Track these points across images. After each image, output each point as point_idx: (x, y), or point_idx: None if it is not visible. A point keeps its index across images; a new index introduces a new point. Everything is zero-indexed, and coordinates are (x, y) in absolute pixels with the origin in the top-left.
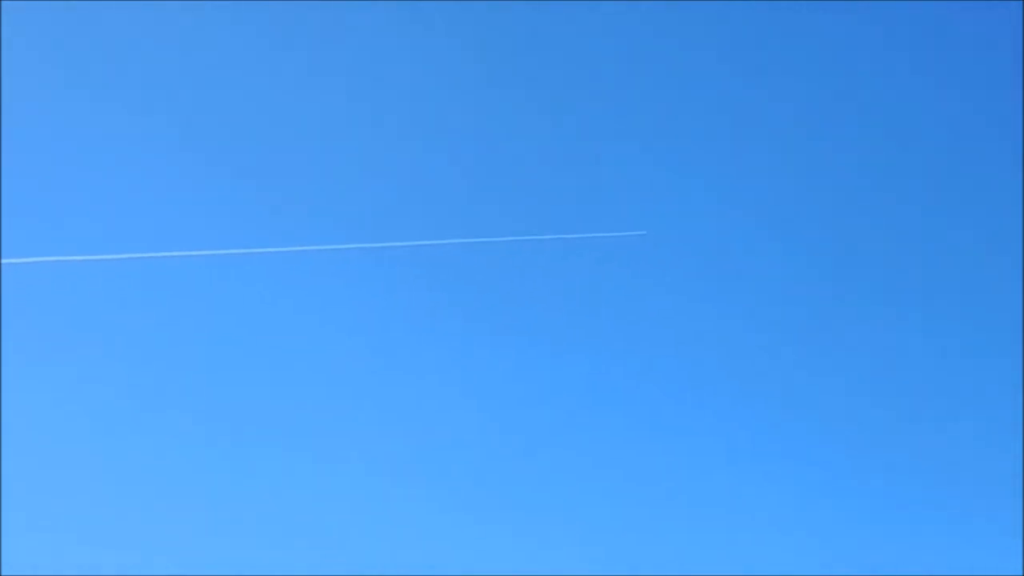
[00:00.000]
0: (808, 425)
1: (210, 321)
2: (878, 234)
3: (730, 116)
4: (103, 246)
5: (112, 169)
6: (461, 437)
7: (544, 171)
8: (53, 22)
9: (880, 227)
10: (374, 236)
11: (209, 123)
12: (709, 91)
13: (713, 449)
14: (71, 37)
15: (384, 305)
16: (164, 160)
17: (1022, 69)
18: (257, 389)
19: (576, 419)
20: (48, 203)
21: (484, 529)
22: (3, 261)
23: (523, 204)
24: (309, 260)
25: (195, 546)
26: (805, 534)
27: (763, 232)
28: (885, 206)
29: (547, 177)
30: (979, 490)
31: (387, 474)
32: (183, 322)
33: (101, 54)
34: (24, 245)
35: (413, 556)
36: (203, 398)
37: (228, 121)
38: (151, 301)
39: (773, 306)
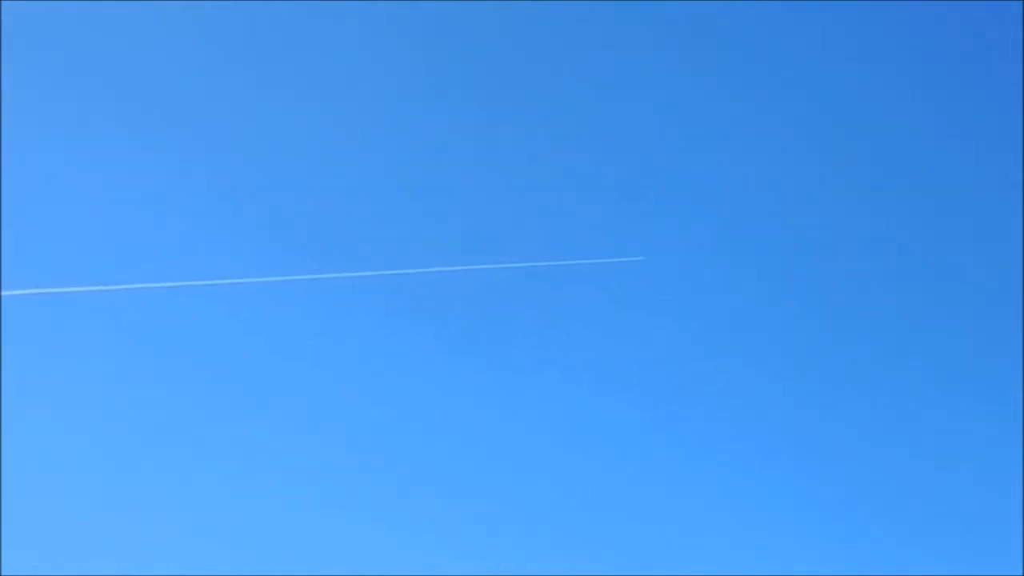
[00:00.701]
0: (807, 442)
1: (198, 349)
2: (880, 255)
3: (732, 138)
4: (91, 275)
5: (103, 189)
6: (459, 466)
7: (541, 197)
8: (53, 22)
9: (882, 245)
10: (372, 264)
11: (204, 132)
12: (709, 112)
13: (713, 472)
14: (71, 37)
15: (379, 333)
16: (158, 181)
17: (1022, 69)
18: (242, 413)
19: (575, 445)
20: (44, 231)
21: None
22: (3, 293)
23: (521, 230)
24: (298, 289)
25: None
26: (804, 537)
27: (764, 257)
28: (886, 223)
29: (544, 203)
30: (979, 491)
31: (379, 502)
32: (170, 351)
33: (100, 56)
34: (21, 277)
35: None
36: (195, 420)
37: (218, 132)
38: (145, 330)
39: (775, 330)
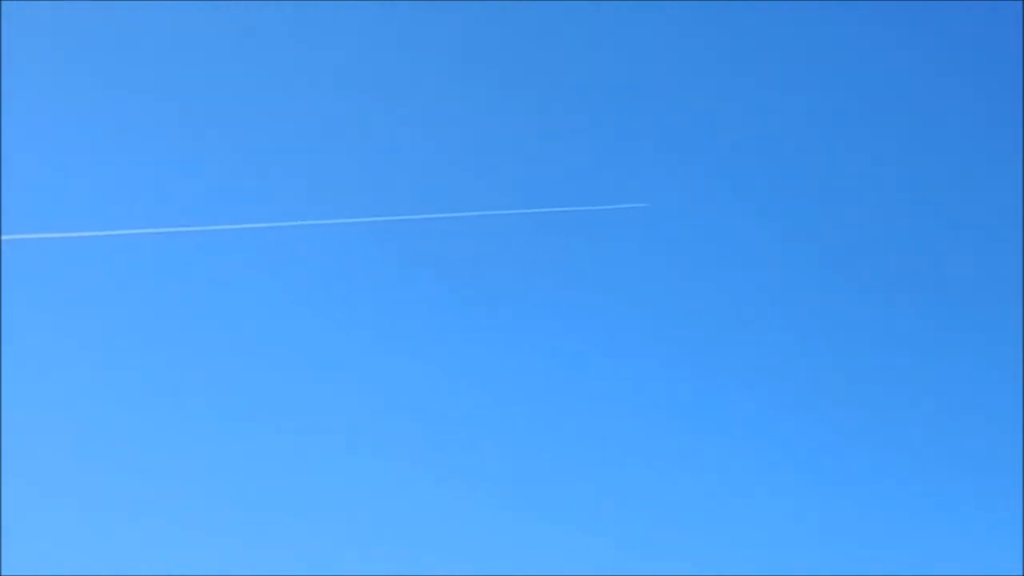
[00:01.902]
0: (804, 407)
1: (188, 298)
2: (876, 218)
3: (733, 90)
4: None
5: (100, 152)
6: (456, 418)
7: (544, 143)
8: (53, 22)
9: (879, 212)
10: (368, 212)
11: (197, 107)
12: (711, 65)
13: (712, 428)
14: (71, 37)
15: (378, 282)
16: (151, 140)
17: (1022, 69)
18: (232, 367)
19: (575, 394)
20: (44, 184)
21: (469, 511)
22: (3, 237)
23: (523, 177)
24: (306, 236)
25: (190, 532)
26: (798, 533)
27: (765, 206)
28: (883, 189)
29: (547, 149)
30: (979, 489)
31: (369, 453)
32: (155, 300)
33: (98, 50)
34: (23, 222)
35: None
36: (185, 376)
37: (213, 105)
38: (136, 279)
39: (775, 280)
